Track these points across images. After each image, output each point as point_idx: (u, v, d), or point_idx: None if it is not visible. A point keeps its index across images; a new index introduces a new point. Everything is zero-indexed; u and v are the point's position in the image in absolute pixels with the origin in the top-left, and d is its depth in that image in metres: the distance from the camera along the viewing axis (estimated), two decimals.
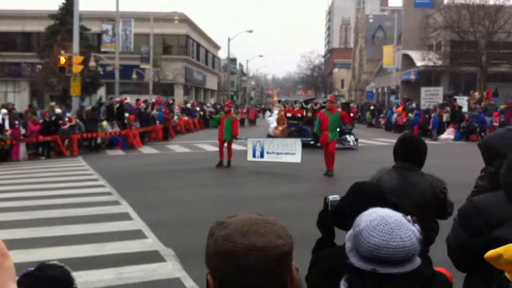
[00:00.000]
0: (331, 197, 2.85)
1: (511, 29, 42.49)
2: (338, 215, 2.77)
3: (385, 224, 1.76)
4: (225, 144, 17.33)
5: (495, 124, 23.92)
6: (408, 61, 52.60)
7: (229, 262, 1.37)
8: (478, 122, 27.66)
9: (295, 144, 16.49)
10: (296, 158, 16.20)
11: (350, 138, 24.59)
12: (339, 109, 16.12)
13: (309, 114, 25.74)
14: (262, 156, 16.85)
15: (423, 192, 4.05)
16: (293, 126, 25.64)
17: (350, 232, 1.88)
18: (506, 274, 0.98)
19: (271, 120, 28.93)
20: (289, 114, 26.41)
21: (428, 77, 48.95)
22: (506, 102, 29.47)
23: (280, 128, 26.23)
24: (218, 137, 17.66)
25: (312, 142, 23.51)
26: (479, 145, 2.95)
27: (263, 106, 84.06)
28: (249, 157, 17.02)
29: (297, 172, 15.72)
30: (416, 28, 48.79)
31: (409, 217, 1.84)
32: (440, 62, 46.79)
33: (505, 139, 2.76)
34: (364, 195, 2.68)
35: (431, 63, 47.02)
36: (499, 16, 42.15)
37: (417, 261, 1.77)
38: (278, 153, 16.53)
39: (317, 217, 2.88)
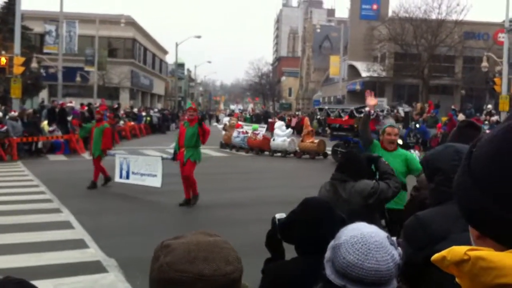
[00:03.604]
0: (277, 216, 2.85)
1: (452, 43, 44.06)
2: (286, 229, 2.77)
3: (363, 243, 1.72)
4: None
5: (438, 135, 24.68)
6: (353, 71, 53.72)
7: None
8: (420, 133, 28.41)
9: (157, 164, 13.48)
10: (157, 181, 13.21)
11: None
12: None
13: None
14: (127, 177, 14.04)
15: (348, 202, 4.28)
16: (340, 139, 22.31)
17: (332, 242, 1.84)
18: (456, 279, 0.99)
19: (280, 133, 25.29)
20: (335, 124, 23.08)
21: (373, 87, 49.94)
22: (447, 114, 30.47)
23: (308, 140, 23.77)
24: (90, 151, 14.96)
25: None
26: (420, 162, 3.01)
27: (211, 112, 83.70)
28: (117, 178, 14.31)
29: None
30: (361, 39, 49.88)
31: (394, 238, 1.82)
32: (384, 74, 47.99)
33: (444, 156, 2.82)
34: (312, 210, 2.70)
35: (375, 74, 48.17)
36: (441, 30, 43.61)
37: (393, 286, 1.74)
38: (141, 174, 13.70)
39: (265, 238, 2.86)
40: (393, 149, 6.43)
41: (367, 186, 4.41)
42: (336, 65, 54.60)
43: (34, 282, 2.06)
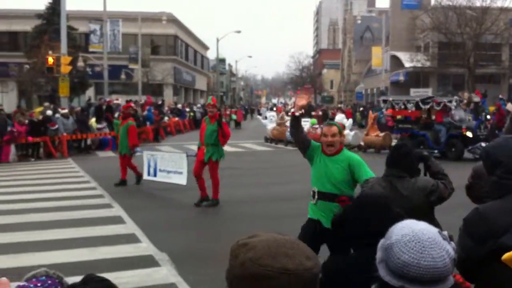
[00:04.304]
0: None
1: (497, 31, 42.84)
2: (341, 226, 2.76)
3: (417, 241, 1.68)
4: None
5: (487, 125, 23.94)
6: (396, 62, 52.88)
7: (259, 285, 1.33)
8: None
9: (182, 161, 13.20)
10: (182, 178, 12.92)
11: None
12: (223, 120, 11.86)
13: (423, 116, 21.23)
14: (155, 174, 13.96)
15: (410, 200, 4.10)
16: (405, 131, 21.31)
17: (382, 242, 1.81)
18: None
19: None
20: (398, 116, 22.27)
21: (417, 78, 49.25)
22: (494, 103, 29.70)
23: (373, 134, 23.14)
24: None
25: (435, 153, 19.30)
26: (480, 155, 2.98)
27: (253, 107, 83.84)
28: (145, 175, 14.28)
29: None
30: (403, 29, 49.06)
31: (445, 233, 1.76)
32: (428, 64, 47.08)
33: (504, 148, 2.79)
34: (367, 208, 2.70)
35: (419, 64, 47.30)
36: (486, 17, 42.46)
37: (450, 281, 1.70)
38: (168, 172, 13.52)
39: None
40: (333, 153, 5.40)
41: (428, 183, 4.27)
42: (378, 56, 53.82)
43: None
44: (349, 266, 2.60)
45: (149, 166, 14.16)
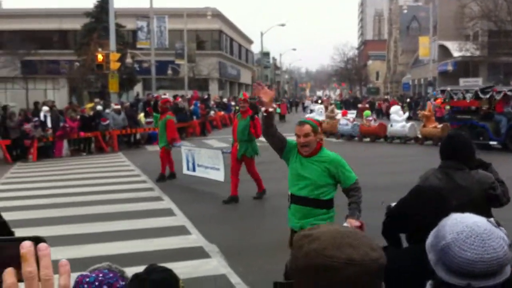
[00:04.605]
0: (393, 204, 2.83)
1: None
2: (396, 219, 2.74)
3: (475, 236, 1.62)
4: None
5: None
6: (444, 51, 51.76)
7: (324, 277, 1.30)
8: None
9: (218, 157, 13.02)
10: (220, 175, 12.77)
11: None
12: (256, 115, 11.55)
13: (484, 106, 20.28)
14: (194, 169, 13.96)
15: (469, 191, 3.91)
16: (464, 123, 19.98)
17: (432, 242, 1.75)
18: None
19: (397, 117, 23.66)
20: (455, 107, 21.47)
21: (466, 67, 48.08)
22: None
23: (431, 125, 22.18)
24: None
25: (493, 144, 19.20)
26: None
27: (297, 100, 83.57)
28: (184, 170, 14.32)
29: None
30: (451, 18, 47.89)
31: (492, 219, 1.71)
32: (477, 53, 45.87)
33: None
34: (424, 200, 2.66)
35: (468, 54, 46.14)
36: None
37: (509, 268, 1.66)
38: (206, 167, 13.42)
39: (382, 226, 2.85)
40: (309, 154, 4.90)
41: (488, 179, 4.03)
42: (426, 46, 52.70)
43: (142, 268, 2.23)
44: (403, 260, 2.58)
45: (187, 161, 14.24)
